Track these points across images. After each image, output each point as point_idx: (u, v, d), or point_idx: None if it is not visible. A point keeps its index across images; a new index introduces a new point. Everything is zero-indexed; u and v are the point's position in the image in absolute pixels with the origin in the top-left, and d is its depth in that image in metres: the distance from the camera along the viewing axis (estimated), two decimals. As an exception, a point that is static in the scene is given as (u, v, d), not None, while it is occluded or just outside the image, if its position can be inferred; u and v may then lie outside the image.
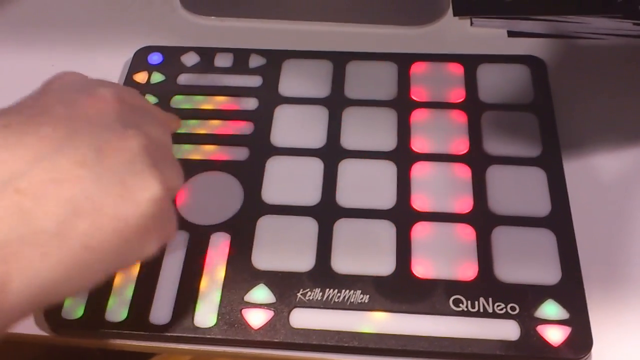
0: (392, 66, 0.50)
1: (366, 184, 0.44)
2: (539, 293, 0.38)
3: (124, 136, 0.31)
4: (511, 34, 0.53)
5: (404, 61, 0.50)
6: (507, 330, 0.37)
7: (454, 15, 0.54)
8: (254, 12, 0.55)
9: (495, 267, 0.39)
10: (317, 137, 0.46)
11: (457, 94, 0.48)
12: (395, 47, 0.52)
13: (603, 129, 0.46)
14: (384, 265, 0.40)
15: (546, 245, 0.40)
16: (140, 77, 0.50)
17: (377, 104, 0.48)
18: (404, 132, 0.46)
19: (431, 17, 0.54)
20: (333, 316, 0.38)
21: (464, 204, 0.42)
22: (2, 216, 0.27)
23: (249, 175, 0.44)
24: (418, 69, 0.50)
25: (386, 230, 0.41)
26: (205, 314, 0.38)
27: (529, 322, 0.37)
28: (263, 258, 0.41)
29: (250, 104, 0.48)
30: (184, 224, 0.42)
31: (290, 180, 0.44)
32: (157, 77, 0.50)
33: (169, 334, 0.38)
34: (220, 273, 0.40)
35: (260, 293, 0.39)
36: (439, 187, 0.43)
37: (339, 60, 0.51)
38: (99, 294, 0.39)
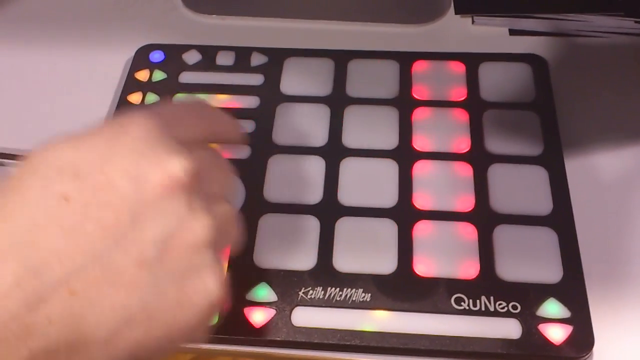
0: (393, 64, 0.50)
1: (368, 182, 0.44)
2: (541, 292, 0.38)
3: (191, 225, 0.28)
4: (513, 32, 0.53)
5: (405, 60, 0.50)
6: (509, 328, 0.37)
7: (456, 13, 0.54)
8: (255, 11, 0.55)
9: (497, 266, 0.39)
10: (318, 136, 0.46)
11: (459, 93, 0.48)
12: (397, 46, 0.52)
13: (605, 128, 0.46)
14: (385, 263, 0.40)
15: (548, 243, 0.40)
16: (142, 75, 0.50)
17: (379, 103, 0.48)
18: (405, 130, 0.46)
19: (433, 16, 0.54)
20: (335, 315, 0.38)
21: (465, 202, 0.42)
22: (53, 320, 0.25)
23: (251, 173, 0.44)
24: (420, 68, 0.50)
25: (388, 229, 0.41)
26: (207, 313, 0.38)
27: (530, 321, 0.37)
28: (265, 256, 0.41)
29: (252, 102, 0.48)
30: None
31: (291, 179, 0.44)
32: (158, 75, 0.50)
33: (170, 333, 0.38)
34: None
35: (262, 291, 0.39)
36: (441, 185, 0.43)
37: (341, 59, 0.50)
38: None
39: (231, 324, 0.38)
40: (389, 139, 0.46)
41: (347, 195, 0.43)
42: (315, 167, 0.44)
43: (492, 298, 0.38)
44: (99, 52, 0.53)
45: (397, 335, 0.37)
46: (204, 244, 0.28)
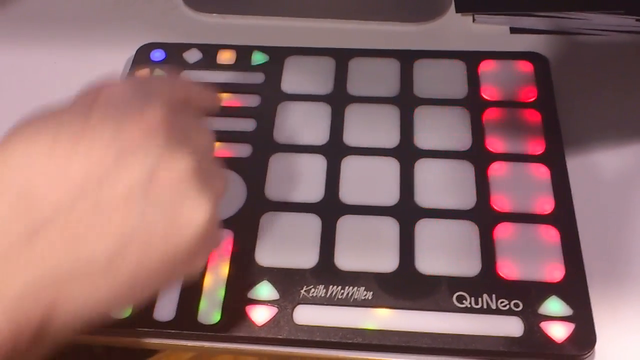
0: (394, 63, 0.50)
1: (369, 180, 0.44)
2: (543, 290, 0.38)
3: (173, 159, 0.30)
4: (514, 30, 0.53)
5: (406, 58, 0.50)
6: (511, 326, 0.37)
7: (457, 11, 0.54)
8: (256, 9, 0.55)
9: (499, 264, 0.39)
10: (319, 134, 0.46)
11: (460, 91, 0.48)
12: (397, 44, 0.52)
13: (606, 126, 0.46)
14: (387, 261, 0.40)
15: (549, 241, 0.40)
16: (143, 74, 0.50)
17: (380, 101, 0.48)
18: (407, 128, 0.46)
19: (434, 14, 0.54)
20: (336, 313, 0.38)
21: (467, 201, 0.42)
22: (53, 248, 0.27)
23: (252, 172, 0.44)
24: (421, 66, 0.49)
25: (389, 227, 0.41)
26: (209, 311, 0.38)
27: (532, 319, 0.37)
28: (266, 255, 0.41)
29: (253, 100, 0.48)
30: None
31: (293, 177, 0.44)
32: (159, 74, 0.50)
33: (172, 331, 0.38)
34: (224, 270, 0.40)
35: (264, 290, 0.39)
36: (441, 184, 0.43)
37: (342, 57, 0.50)
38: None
39: (233, 322, 0.38)
40: (390, 137, 0.46)
41: (348, 194, 0.43)
42: (317, 165, 0.44)
43: (494, 296, 0.38)
44: (100, 51, 0.53)
45: (399, 333, 0.37)
46: (186, 175, 0.30)
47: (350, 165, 0.44)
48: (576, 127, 0.46)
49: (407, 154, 0.45)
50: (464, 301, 0.38)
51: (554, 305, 0.38)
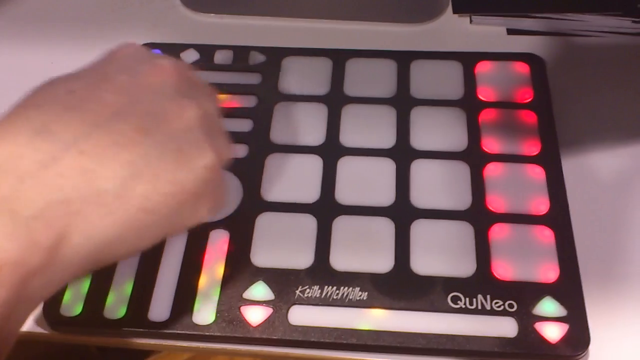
0: (391, 64, 0.50)
1: (365, 181, 0.44)
2: (537, 290, 0.38)
3: (182, 106, 0.32)
4: (510, 31, 0.53)
5: (403, 59, 0.50)
6: (505, 327, 0.37)
7: (454, 12, 0.54)
8: (253, 10, 0.55)
9: (494, 264, 0.39)
10: (316, 135, 0.46)
11: (456, 92, 0.48)
12: (394, 45, 0.52)
13: (601, 127, 0.46)
14: (382, 262, 0.40)
15: (544, 242, 0.40)
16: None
17: (377, 102, 0.48)
18: (403, 129, 0.46)
19: (431, 15, 0.54)
20: (331, 313, 0.38)
21: (462, 202, 0.42)
22: (67, 175, 0.28)
23: (248, 172, 0.44)
24: (418, 67, 0.50)
25: (385, 228, 0.41)
26: (204, 311, 0.38)
27: (526, 320, 0.37)
28: (262, 255, 0.41)
29: (250, 101, 0.48)
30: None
31: (289, 178, 0.44)
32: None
33: (167, 331, 0.38)
34: (219, 270, 0.40)
35: (259, 290, 0.39)
36: (437, 184, 0.43)
37: (339, 58, 0.51)
38: (98, 291, 0.39)
39: (228, 323, 0.38)
40: (387, 138, 0.46)
41: (344, 194, 0.43)
42: (313, 165, 0.44)
43: (488, 297, 0.38)
44: (97, 51, 0.53)
45: (393, 333, 0.37)
46: (196, 123, 0.32)
47: (346, 166, 0.44)
48: (572, 128, 0.46)
49: (403, 154, 0.45)
50: (458, 302, 0.38)
51: (548, 306, 0.38)
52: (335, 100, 0.48)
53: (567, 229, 0.41)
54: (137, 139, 0.30)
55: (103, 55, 0.36)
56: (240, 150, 0.45)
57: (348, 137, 0.46)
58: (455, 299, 0.38)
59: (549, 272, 0.39)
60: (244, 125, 0.47)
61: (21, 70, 0.53)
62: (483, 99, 0.47)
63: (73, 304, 0.39)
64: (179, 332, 0.38)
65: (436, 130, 0.46)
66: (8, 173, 0.28)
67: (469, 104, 0.47)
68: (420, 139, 0.45)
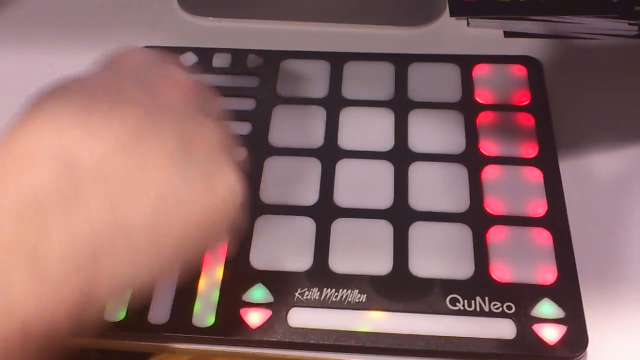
0: (389, 66, 0.50)
1: (364, 184, 0.44)
2: (535, 292, 0.38)
3: (205, 127, 0.30)
4: (507, 34, 0.53)
5: (401, 61, 0.50)
6: (504, 329, 0.37)
7: (451, 15, 0.54)
8: (251, 13, 0.55)
9: (492, 266, 0.39)
10: (314, 137, 0.46)
11: (454, 94, 0.48)
12: (392, 48, 0.52)
13: (599, 129, 0.47)
14: (381, 264, 0.40)
15: (542, 244, 0.40)
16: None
17: (375, 104, 0.48)
18: (401, 132, 0.46)
19: (428, 18, 0.54)
20: (331, 315, 0.38)
21: (460, 204, 0.42)
22: (93, 208, 0.26)
23: (247, 175, 0.44)
24: (415, 70, 0.50)
25: (383, 230, 0.41)
26: (204, 314, 0.39)
27: (525, 321, 0.37)
28: (261, 258, 0.41)
29: (248, 104, 0.48)
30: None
31: (288, 180, 0.44)
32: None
33: (167, 334, 0.38)
34: (219, 273, 0.40)
35: (258, 293, 0.39)
36: (435, 187, 0.43)
37: (337, 61, 0.51)
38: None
39: (227, 325, 0.38)
40: (385, 141, 0.46)
41: (343, 197, 0.43)
42: (311, 168, 0.45)
43: (486, 299, 0.38)
44: (96, 54, 0.53)
45: (392, 335, 0.37)
46: (219, 146, 0.31)
47: (344, 169, 0.45)
48: (569, 131, 0.46)
49: (401, 157, 0.45)
50: (457, 304, 0.38)
51: (546, 308, 0.38)
52: (333, 103, 0.48)
53: (565, 231, 0.41)
54: (162, 165, 0.28)
55: (107, 60, 0.33)
56: (239, 154, 0.45)
57: (346, 139, 0.46)
58: (453, 301, 0.38)
59: (547, 274, 0.39)
60: (243, 128, 0.47)
61: (20, 73, 0.53)
62: (481, 101, 0.48)
63: (72, 307, 0.39)
64: (178, 334, 0.38)
65: (434, 132, 0.46)
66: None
67: (467, 107, 0.47)
68: (418, 142, 0.46)
